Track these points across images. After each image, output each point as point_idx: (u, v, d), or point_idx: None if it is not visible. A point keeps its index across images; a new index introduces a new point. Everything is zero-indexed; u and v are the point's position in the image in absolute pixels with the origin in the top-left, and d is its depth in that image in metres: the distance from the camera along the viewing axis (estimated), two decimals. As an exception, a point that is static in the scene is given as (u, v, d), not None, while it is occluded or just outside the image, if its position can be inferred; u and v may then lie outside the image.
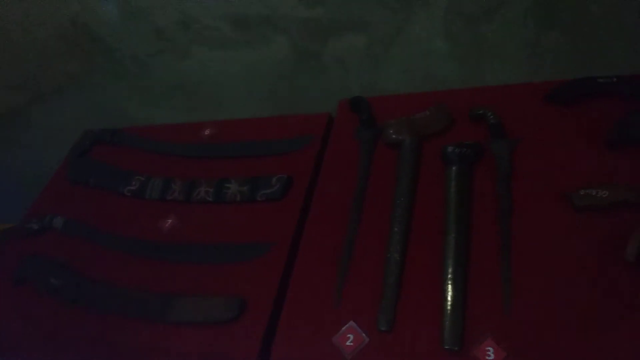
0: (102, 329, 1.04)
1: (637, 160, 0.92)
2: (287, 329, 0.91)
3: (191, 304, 1.01)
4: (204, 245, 1.13)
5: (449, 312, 0.83)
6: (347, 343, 0.85)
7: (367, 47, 1.18)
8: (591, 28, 1.02)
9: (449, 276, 0.87)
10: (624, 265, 0.79)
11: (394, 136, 1.11)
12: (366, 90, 1.27)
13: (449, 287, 0.86)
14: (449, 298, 0.84)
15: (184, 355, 0.96)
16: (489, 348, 0.78)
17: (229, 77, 1.38)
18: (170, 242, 1.16)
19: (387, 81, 1.23)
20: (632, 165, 0.91)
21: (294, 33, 1.22)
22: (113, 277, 1.11)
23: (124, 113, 1.62)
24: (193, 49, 1.34)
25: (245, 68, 1.34)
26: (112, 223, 1.26)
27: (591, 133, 0.98)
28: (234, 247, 1.09)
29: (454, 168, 1.01)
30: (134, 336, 1.00)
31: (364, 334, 0.86)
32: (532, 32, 1.06)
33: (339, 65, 1.25)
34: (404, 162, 1.06)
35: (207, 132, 1.42)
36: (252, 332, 0.94)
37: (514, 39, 1.08)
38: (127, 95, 1.54)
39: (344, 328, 0.87)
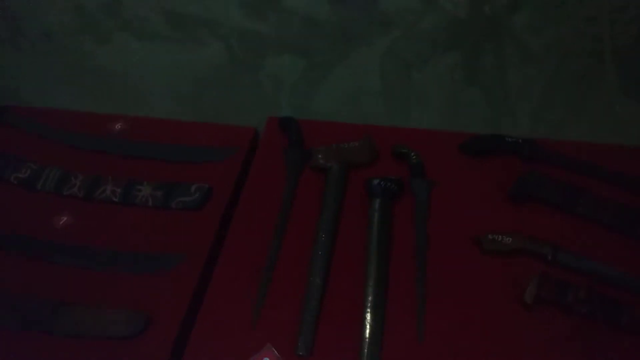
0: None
1: (534, 214, 1.04)
2: (196, 349, 0.86)
3: (86, 315, 0.91)
4: (107, 250, 1.02)
5: (367, 341, 0.85)
6: (263, 366, 0.82)
7: (304, 70, 1.20)
8: (505, 91, 1.15)
9: (369, 305, 0.90)
10: (524, 306, 0.89)
11: (322, 162, 1.13)
12: (296, 111, 1.28)
13: (368, 315, 0.88)
14: (368, 327, 0.87)
15: (72, 372, 0.86)
16: (404, 379, 0.81)
17: (152, 72, 1.29)
18: (65, 242, 1.04)
19: (318, 106, 1.26)
20: (530, 218, 1.03)
21: (232, 42, 1.19)
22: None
23: (14, 92, 1.43)
24: (116, 35, 1.24)
25: (172, 66, 1.27)
26: (-10, 214, 1.09)
27: (496, 185, 1.10)
28: (142, 256, 1.01)
29: (377, 200, 1.05)
30: (17, 350, 0.87)
31: (281, 358, 0.84)
32: (456, 86, 1.16)
33: (273, 82, 1.24)
34: (331, 188, 1.08)
35: (118, 126, 1.31)
36: (157, 350, 0.86)
37: (440, 89, 1.17)
38: (24, 72, 1.37)
39: (260, 351, 0.84)
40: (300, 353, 0.84)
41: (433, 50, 1.13)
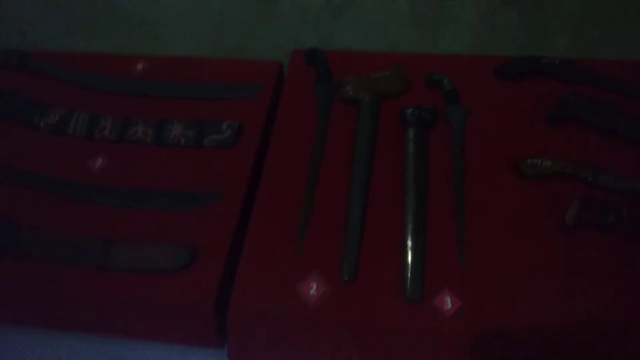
0: (33, 277, 0.92)
1: (573, 137, 1.02)
2: (245, 278, 0.89)
3: (135, 250, 0.93)
4: (145, 189, 1.03)
5: (410, 265, 0.87)
6: (311, 292, 0.85)
7: (329, -2, 1.15)
8: (542, 10, 1.10)
9: (409, 232, 0.90)
10: (564, 228, 0.89)
11: (352, 93, 1.11)
12: (321, 42, 1.24)
13: (409, 241, 0.89)
14: (410, 251, 0.88)
15: (127, 303, 0.89)
16: (447, 298, 0.83)
17: (170, 9, 1.25)
18: (104, 184, 1.05)
19: (344, 36, 1.21)
20: (569, 141, 1.01)
21: (252, -29, 1.14)
22: (39, 221, 0.98)
23: (21, 35, 1.39)
24: (132, -29, 1.19)
25: (190, 1, 1.22)
26: (27, 161, 1.09)
27: (534, 109, 1.07)
28: (180, 194, 1.02)
29: (412, 130, 1.03)
30: (69, 284, 0.90)
31: (327, 284, 0.86)
32: (490, 6, 1.10)
33: (296, 12, 1.19)
34: (364, 120, 1.06)
35: (139, 66, 1.28)
36: (206, 281, 0.89)
37: (473, 10, 1.12)
38: (33, 15, 1.33)
39: (306, 278, 0.87)
40: (345, 278, 0.86)
41: (466, -32, 1.07)
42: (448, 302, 0.82)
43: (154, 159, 1.09)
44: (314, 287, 0.85)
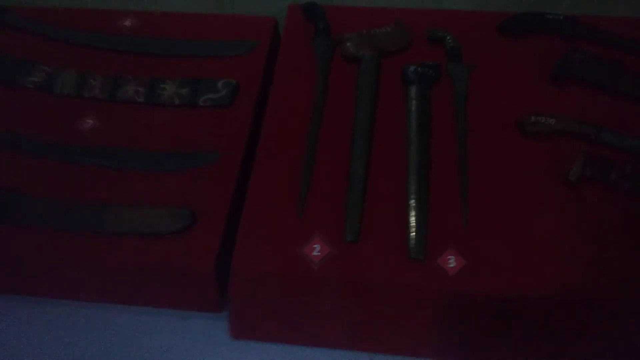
0: (27, 244, 0.89)
1: (576, 95, 1.01)
2: (246, 239, 0.87)
3: (131, 213, 0.91)
4: (140, 151, 1.00)
5: (413, 224, 0.86)
6: (314, 253, 0.84)
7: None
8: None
9: (413, 190, 0.89)
10: (567, 184, 0.89)
11: (352, 50, 1.07)
12: (319, -2, 1.18)
13: (413, 200, 0.88)
14: (413, 211, 0.87)
15: (125, 268, 0.88)
16: (451, 257, 0.83)
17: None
18: (96, 146, 1.01)
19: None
20: (572, 99, 1.00)
21: None
22: (30, 186, 0.94)
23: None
24: None
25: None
26: (12, 122, 1.05)
27: (537, 66, 1.05)
28: (177, 155, 0.99)
29: (414, 87, 1.01)
30: (65, 250, 0.88)
31: (330, 245, 0.85)
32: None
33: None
34: (365, 77, 1.03)
35: (127, 22, 1.22)
36: (206, 244, 0.88)
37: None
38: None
39: (309, 240, 0.86)
40: (349, 239, 0.85)
41: None
42: (452, 261, 0.82)
43: (146, 119, 1.05)
44: (317, 248, 0.84)
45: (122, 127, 1.04)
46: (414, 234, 0.85)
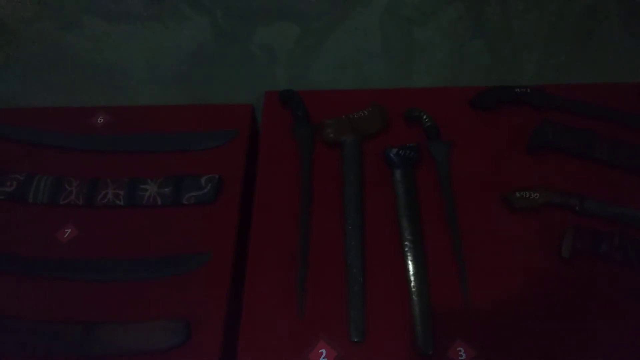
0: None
1: (554, 164, 1.04)
2: (248, 351, 0.83)
3: (121, 331, 0.86)
4: (122, 259, 0.96)
5: (418, 317, 0.85)
6: (321, 359, 0.81)
7: (299, 37, 1.12)
8: (510, 40, 1.12)
9: (412, 279, 0.89)
10: (562, 259, 0.90)
11: (332, 136, 1.08)
12: (293, 83, 1.20)
13: (414, 290, 0.87)
14: (416, 301, 0.86)
15: (120, 395, 0.82)
16: (460, 348, 0.82)
17: (129, 56, 1.18)
18: (76, 257, 0.96)
19: (317, 75, 1.19)
20: (550, 168, 1.03)
21: (217, 13, 1.09)
22: (6, 307, 0.88)
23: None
24: (84, 19, 1.11)
25: (152, 47, 1.16)
26: (-17, 236, 0.99)
27: (513, 137, 1.09)
28: (164, 260, 0.95)
29: (398, 170, 1.02)
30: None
31: (336, 347, 0.82)
32: (460, 39, 1.11)
33: (266, 53, 1.16)
34: (349, 162, 1.04)
35: (100, 119, 1.20)
36: (205, 358, 0.83)
37: (443, 44, 1.13)
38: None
39: (314, 342, 0.83)
40: (355, 339, 0.83)
41: (435, 2, 1.07)
42: (462, 353, 0.81)
43: (129, 224, 1.01)
44: (324, 354, 0.81)
45: (103, 234, 1.00)
46: (420, 327, 0.83)
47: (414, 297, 0.86)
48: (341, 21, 1.10)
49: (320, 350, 0.82)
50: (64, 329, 0.86)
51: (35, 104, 1.21)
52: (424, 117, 1.10)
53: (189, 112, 1.20)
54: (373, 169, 1.05)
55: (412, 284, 0.88)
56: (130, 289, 0.91)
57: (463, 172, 1.04)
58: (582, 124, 1.08)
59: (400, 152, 1.03)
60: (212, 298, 0.90)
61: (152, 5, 1.09)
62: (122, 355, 0.84)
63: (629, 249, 0.88)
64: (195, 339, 0.85)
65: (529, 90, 1.12)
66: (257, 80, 1.20)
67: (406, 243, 0.93)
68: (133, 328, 0.86)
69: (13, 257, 0.96)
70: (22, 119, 1.17)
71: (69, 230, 1.00)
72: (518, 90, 1.12)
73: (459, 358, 0.81)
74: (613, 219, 0.95)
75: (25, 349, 0.84)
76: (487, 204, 0.99)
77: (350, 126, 1.08)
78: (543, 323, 0.85)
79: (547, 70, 1.19)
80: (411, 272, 0.89)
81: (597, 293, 0.88)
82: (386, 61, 1.16)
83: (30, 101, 1.20)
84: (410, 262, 0.90)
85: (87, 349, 0.84)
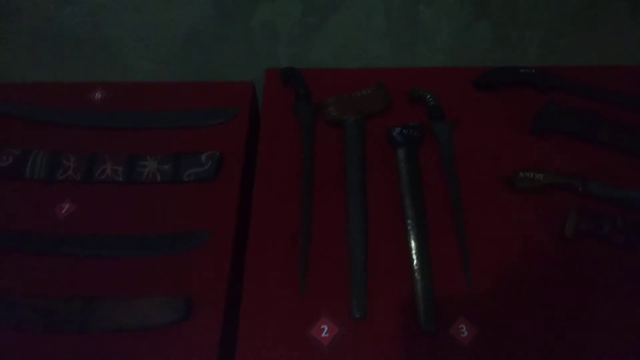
0: (4, 349, 0.81)
1: (558, 146, 1.04)
2: (249, 326, 0.83)
3: (120, 307, 0.85)
4: (124, 236, 0.94)
5: (420, 295, 0.84)
6: (322, 335, 0.81)
7: (301, 14, 1.10)
8: (514, 21, 1.10)
9: (415, 257, 0.88)
10: (564, 240, 0.90)
11: (335, 114, 1.07)
12: (295, 61, 1.19)
13: (416, 268, 0.87)
14: (418, 279, 0.86)
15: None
16: (462, 326, 0.81)
17: (128, 31, 1.15)
18: (75, 233, 0.95)
19: (319, 53, 1.17)
20: (554, 150, 1.03)
21: (219, -10, 1.07)
22: (4, 283, 0.87)
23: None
24: (80, -8, 1.09)
25: (152, 22, 1.13)
26: (-21, 211, 0.97)
27: (516, 119, 1.08)
28: (164, 237, 0.94)
29: (402, 150, 1.01)
30: (47, 354, 0.80)
31: (338, 324, 0.82)
32: (465, 19, 1.10)
33: (267, 31, 1.14)
34: (351, 142, 1.03)
35: (98, 95, 1.17)
36: (206, 335, 0.83)
37: (449, 24, 1.11)
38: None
39: (316, 319, 0.82)
40: (357, 316, 0.83)
41: (441, -19, 1.06)
42: (464, 330, 0.81)
43: (128, 200, 1.00)
44: (325, 329, 0.81)
45: (102, 210, 0.98)
46: (421, 305, 0.83)
47: (416, 275, 0.86)
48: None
49: (321, 327, 0.81)
50: (63, 304, 0.85)
51: (30, 79, 1.18)
52: (428, 96, 1.08)
53: (189, 89, 1.18)
54: (376, 148, 1.04)
55: (415, 262, 0.87)
56: (130, 266, 0.90)
57: (466, 152, 1.03)
58: (586, 106, 1.07)
59: (404, 131, 1.02)
60: (213, 275, 0.89)
61: (152, -21, 1.06)
62: (122, 331, 0.83)
63: (631, 231, 0.88)
64: (196, 316, 0.84)
65: (533, 70, 1.11)
66: (258, 58, 1.18)
67: (409, 222, 0.92)
68: (133, 304, 0.85)
69: (10, 232, 0.94)
70: (17, 95, 1.15)
71: (67, 206, 0.99)
72: (522, 70, 1.11)
73: (461, 335, 0.80)
74: (616, 201, 0.94)
75: (23, 324, 0.83)
76: (490, 184, 0.99)
77: (352, 105, 1.07)
78: (544, 303, 0.84)
79: (551, 51, 1.18)
80: (413, 251, 0.89)
81: (599, 274, 0.87)
82: (390, 40, 1.14)
83: (26, 76, 1.18)
84: (412, 241, 0.90)
85: (87, 324, 0.83)
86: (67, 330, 0.83)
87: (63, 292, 0.87)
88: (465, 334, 0.81)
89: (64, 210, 0.98)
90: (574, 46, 1.18)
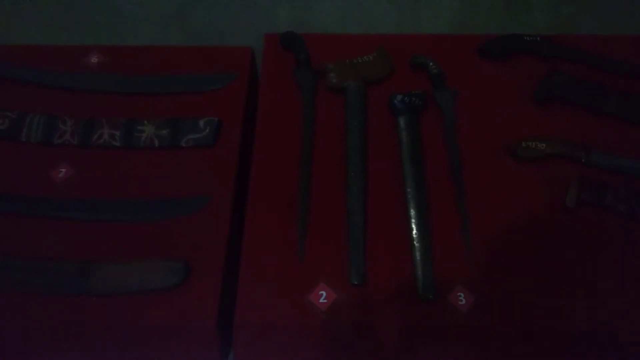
0: (4, 310, 0.81)
1: (561, 116, 1.02)
2: (248, 290, 0.83)
3: (120, 270, 0.85)
4: (122, 200, 0.94)
5: (418, 262, 0.84)
6: (321, 301, 0.81)
7: (303, -23, 1.06)
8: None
9: (415, 225, 0.88)
10: (566, 210, 0.89)
11: (336, 81, 1.05)
12: (295, 25, 1.16)
13: (416, 237, 0.87)
14: (417, 246, 0.86)
15: (116, 332, 0.82)
16: (460, 294, 0.82)
17: (124, -8, 1.12)
18: (72, 197, 0.94)
19: (320, 18, 1.14)
20: (558, 120, 1.01)
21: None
22: (2, 246, 0.86)
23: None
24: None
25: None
26: (-25, 174, 0.96)
27: (520, 87, 1.06)
28: (162, 202, 0.94)
29: (403, 118, 1.00)
30: (46, 316, 0.81)
31: (336, 290, 0.82)
32: (470, -17, 1.06)
33: (267, -6, 1.10)
34: (352, 108, 1.01)
35: (94, 59, 1.15)
36: (205, 298, 0.83)
37: (454, -12, 1.08)
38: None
39: (314, 284, 0.82)
40: (355, 282, 0.83)
41: (447, -57, 1.02)
42: (462, 298, 0.81)
43: (125, 165, 0.99)
44: (324, 295, 0.81)
45: (99, 175, 0.97)
46: (420, 272, 0.83)
47: (415, 243, 0.86)
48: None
49: (320, 292, 0.81)
50: (60, 266, 0.85)
51: (26, 42, 1.15)
52: (431, 64, 1.06)
53: (186, 54, 1.15)
54: (377, 116, 1.03)
55: (414, 231, 0.87)
56: (129, 231, 0.90)
57: (469, 121, 1.02)
58: (591, 75, 1.05)
59: (406, 98, 1.00)
60: (212, 240, 0.89)
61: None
62: (121, 294, 0.83)
63: (633, 201, 0.88)
64: (194, 281, 0.84)
65: (538, 38, 1.08)
66: (257, 22, 1.15)
67: (409, 190, 0.91)
68: (131, 267, 0.85)
69: (6, 195, 0.93)
70: (12, 57, 1.12)
71: (64, 170, 0.98)
72: (527, 38, 1.08)
73: (459, 303, 0.81)
74: (619, 171, 0.94)
75: (22, 286, 0.83)
76: (492, 153, 0.98)
77: (354, 71, 1.05)
78: (544, 272, 0.84)
79: (557, 19, 1.15)
80: (413, 219, 0.88)
81: (600, 244, 0.87)
82: (393, 5, 1.11)
83: (21, 39, 1.15)
84: (412, 209, 0.89)
85: (85, 287, 0.83)
86: (65, 293, 0.83)
87: (61, 255, 0.86)
88: (464, 301, 0.81)
89: (60, 175, 0.97)
90: (581, 14, 1.15)
